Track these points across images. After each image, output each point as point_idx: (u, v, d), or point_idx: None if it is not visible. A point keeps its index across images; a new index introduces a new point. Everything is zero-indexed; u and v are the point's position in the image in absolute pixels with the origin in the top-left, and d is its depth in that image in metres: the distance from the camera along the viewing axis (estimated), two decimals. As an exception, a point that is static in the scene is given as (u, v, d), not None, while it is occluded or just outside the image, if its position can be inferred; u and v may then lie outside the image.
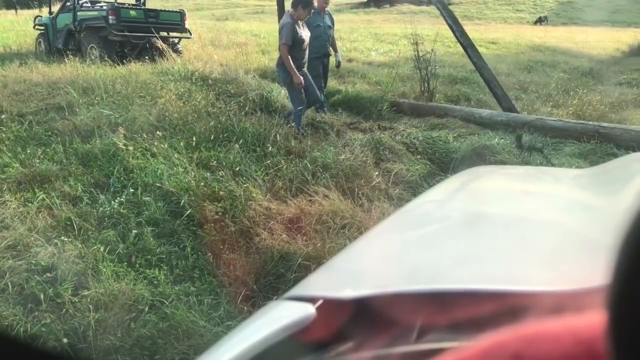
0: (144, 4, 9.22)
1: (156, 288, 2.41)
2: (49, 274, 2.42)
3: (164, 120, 4.64)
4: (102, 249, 2.61)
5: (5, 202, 3.13)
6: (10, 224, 2.89)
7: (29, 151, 3.87)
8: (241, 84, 6.16)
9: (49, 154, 3.85)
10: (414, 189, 3.95)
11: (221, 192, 3.34)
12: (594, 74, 11.57)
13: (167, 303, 2.26)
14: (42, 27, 9.33)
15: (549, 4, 38.46)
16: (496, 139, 4.65)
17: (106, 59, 7.03)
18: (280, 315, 0.68)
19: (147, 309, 2.23)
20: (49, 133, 4.34)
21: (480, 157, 4.29)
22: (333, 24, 5.98)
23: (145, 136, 4.13)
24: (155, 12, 8.31)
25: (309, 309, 0.66)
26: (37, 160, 3.69)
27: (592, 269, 0.47)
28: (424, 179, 4.14)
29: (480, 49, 14.71)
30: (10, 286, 2.33)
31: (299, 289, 0.82)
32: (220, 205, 3.22)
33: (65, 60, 6.89)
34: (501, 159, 4.15)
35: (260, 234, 2.84)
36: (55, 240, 2.69)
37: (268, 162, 3.94)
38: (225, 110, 5.08)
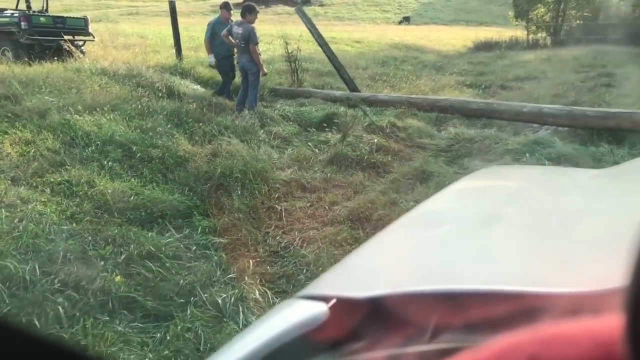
0: (46, 10, 10.32)
1: (133, 188, 4.11)
2: (66, 184, 4.03)
3: (98, 103, 6.16)
4: (95, 167, 4.27)
5: (8, 154, 4.59)
6: (20, 165, 4.39)
7: (4, 125, 5.25)
8: (147, 77, 7.73)
9: (22, 127, 5.26)
10: (287, 141, 5.93)
11: (159, 142, 5.05)
12: (436, 66, 14.35)
13: (145, 191, 3.99)
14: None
15: (412, 5, 42.13)
16: (342, 109, 6.86)
17: (25, 59, 8.20)
18: (293, 314, 0.69)
19: (133, 195, 3.94)
20: (10, 115, 5.69)
21: (330, 119, 6.42)
22: None
23: (93, 112, 5.68)
24: (63, 18, 9.53)
25: (322, 308, 0.67)
26: (16, 130, 5.10)
27: (609, 270, 0.47)
28: (294, 136, 6.14)
29: (345, 48, 17.04)
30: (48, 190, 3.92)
31: (312, 288, 0.83)
32: (159, 150, 4.93)
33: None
34: (342, 120, 6.27)
35: (191, 160, 4.64)
36: (60, 170, 4.28)
37: (186, 125, 5.69)
38: (143, 94, 6.70)
